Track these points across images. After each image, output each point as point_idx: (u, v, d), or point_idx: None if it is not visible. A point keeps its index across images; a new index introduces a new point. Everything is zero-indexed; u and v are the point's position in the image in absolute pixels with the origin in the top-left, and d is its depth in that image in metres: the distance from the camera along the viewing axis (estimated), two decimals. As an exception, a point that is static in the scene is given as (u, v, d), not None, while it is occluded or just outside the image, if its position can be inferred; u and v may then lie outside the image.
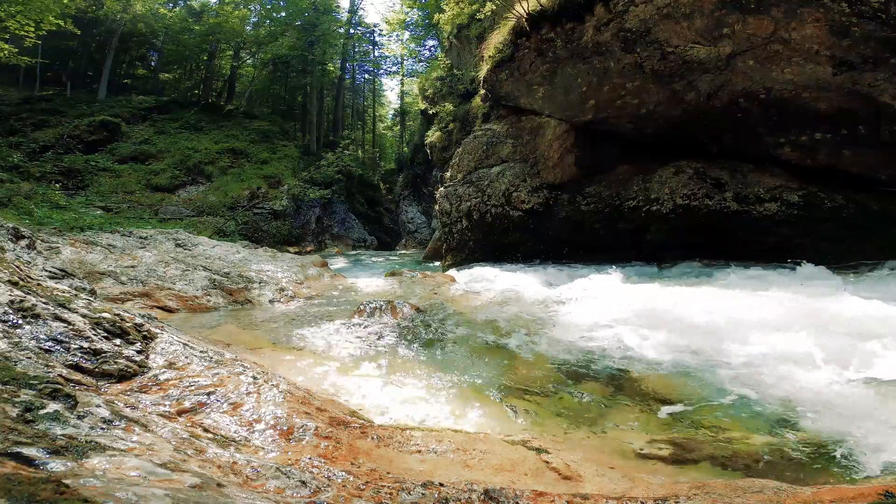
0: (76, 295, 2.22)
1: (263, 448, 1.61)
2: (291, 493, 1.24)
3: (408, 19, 29.79)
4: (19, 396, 1.19)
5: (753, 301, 4.56)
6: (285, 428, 1.76)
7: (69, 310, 1.96)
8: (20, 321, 1.71)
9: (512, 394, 2.97)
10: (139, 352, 1.99)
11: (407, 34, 31.56)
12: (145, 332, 2.16)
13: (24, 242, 4.35)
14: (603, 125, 8.55)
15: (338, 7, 30.10)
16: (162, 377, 1.90)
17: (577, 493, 1.57)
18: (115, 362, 1.82)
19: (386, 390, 2.93)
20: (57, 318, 1.83)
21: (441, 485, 1.44)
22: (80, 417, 1.24)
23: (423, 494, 1.37)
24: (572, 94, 8.34)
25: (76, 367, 1.67)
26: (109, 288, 4.93)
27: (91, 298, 2.43)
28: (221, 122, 22.95)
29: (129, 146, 18.67)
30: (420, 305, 5.01)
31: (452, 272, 8.86)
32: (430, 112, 17.74)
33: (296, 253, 12.39)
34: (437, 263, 11.90)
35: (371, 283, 7.39)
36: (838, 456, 2.16)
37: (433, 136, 16.54)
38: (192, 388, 1.87)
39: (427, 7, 23.46)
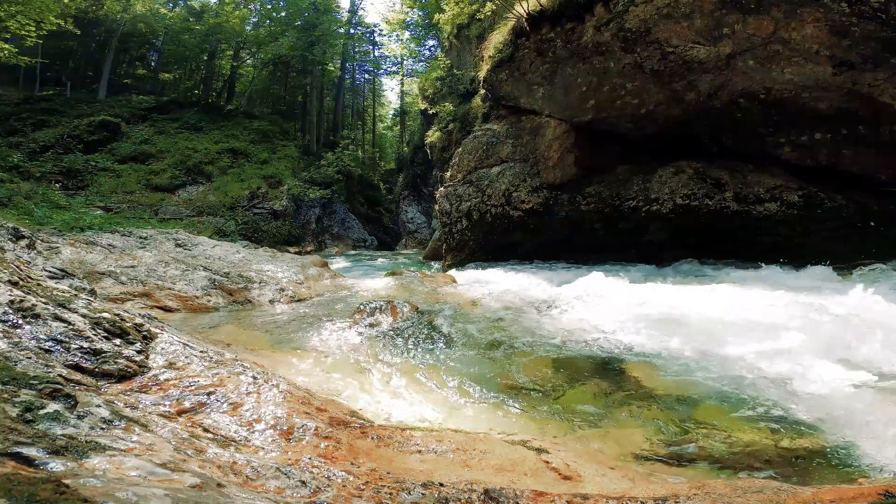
0: (76, 295, 2.22)
1: (263, 448, 1.61)
2: (291, 493, 1.24)
3: (408, 19, 29.77)
4: (19, 396, 1.19)
5: (753, 301, 4.56)
6: (285, 428, 1.76)
7: (69, 310, 1.96)
8: (20, 321, 1.71)
9: (512, 393, 2.97)
10: (139, 352, 2.00)
11: (407, 34, 31.55)
12: (145, 332, 2.16)
13: (24, 242, 4.35)
14: (603, 125, 8.55)
15: (338, 7, 30.10)
16: (162, 377, 1.90)
17: (577, 493, 1.57)
18: (115, 362, 1.82)
19: (386, 390, 2.93)
20: (57, 318, 1.83)
21: (441, 485, 1.44)
22: (80, 417, 1.24)
23: (423, 494, 1.37)
24: (572, 94, 8.34)
25: (76, 367, 1.67)
26: (109, 288, 4.93)
27: (91, 298, 2.43)
28: (221, 122, 22.93)
29: (129, 146, 18.67)
30: (420, 306, 5.01)
31: (452, 272, 8.86)
32: (430, 112, 17.73)
33: (296, 253, 12.38)
34: (437, 263, 11.90)
35: (371, 283, 7.39)
36: (838, 456, 2.16)
37: (433, 136, 16.54)
38: (192, 388, 1.87)
39: (427, 7, 23.43)
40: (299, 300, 5.93)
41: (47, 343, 1.68)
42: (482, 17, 12.39)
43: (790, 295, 4.64)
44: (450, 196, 10.33)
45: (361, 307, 4.70)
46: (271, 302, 5.73)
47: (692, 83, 7.13)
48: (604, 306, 4.89)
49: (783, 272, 6.06)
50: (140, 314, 2.49)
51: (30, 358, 1.50)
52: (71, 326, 1.84)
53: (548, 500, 1.45)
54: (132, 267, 5.66)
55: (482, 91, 11.74)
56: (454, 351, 3.79)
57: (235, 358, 2.38)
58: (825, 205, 6.92)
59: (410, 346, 3.84)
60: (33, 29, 14.74)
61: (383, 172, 32.48)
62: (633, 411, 2.73)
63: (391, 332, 4.11)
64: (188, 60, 28.66)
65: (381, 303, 4.75)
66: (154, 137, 19.87)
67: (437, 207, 11.46)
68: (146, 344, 2.10)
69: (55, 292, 2.17)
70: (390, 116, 40.29)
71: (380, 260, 15.55)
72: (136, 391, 1.73)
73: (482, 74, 10.28)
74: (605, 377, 3.24)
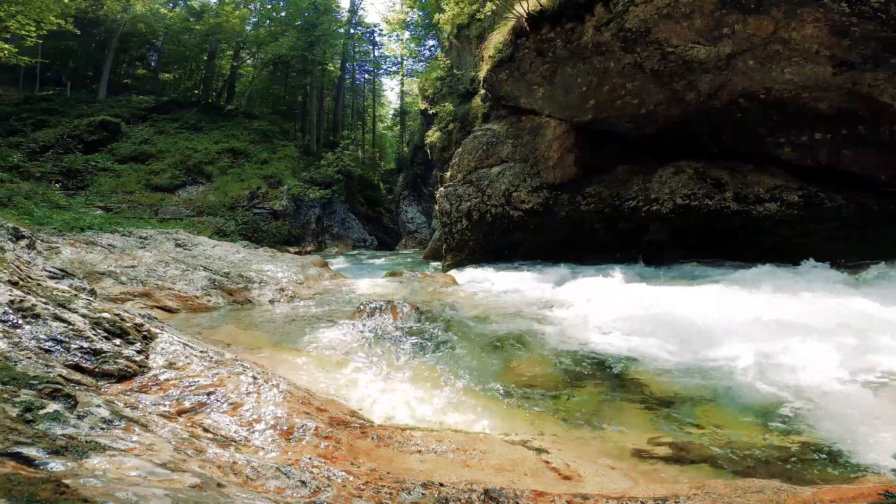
0: (76, 295, 2.22)
1: (263, 448, 1.61)
2: (291, 493, 1.24)
3: (408, 19, 29.75)
4: (19, 396, 1.19)
5: (753, 301, 4.56)
6: (285, 428, 1.76)
7: (69, 310, 1.96)
8: (20, 321, 1.71)
9: (512, 394, 2.97)
10: (139, 352, 1.99)
11: (407, 34, 31.52)
12: (145, 332, 2.16)
13: (24, 242, 4.35)
14: (603, 125, 8.55)
15: (338, 7, 30.10)
16: (162, 377, 1.90)
17: (577, 493, 1.57)
18: (115, 362, 1.82)
19: (386, 390, 2.93)
20: (57, 318, 1.83)
21: (441, 485, 1.44)
22: (80, 417, 1.24)
23: (423, 494, 1.37)
24: (572, 94, 8.34)
25: (76, 367, 1.67)
26: (109, 288, 4.93)
27: (91, 298, 2.43)
28: (221, 122, 22.92)
29: (129, 146, 18.66)
30: (420, 306, 5.01)
31: (452, 272, 8.86)
32: (430, 112, 17.72)
33: (296, 253, 12.39)
34: (437, 263, 11.90)
35: (371, 283, 7.39)
36: (839, 456, 2.16)
37: (433, 136, 16.53)
38: (192, 388, 1.87)
39: (427, 7, 23.41)
40: (299, 300, 5.93)
41: (47, 343, 1.68)
42: (482, 17, 12.39)
43: (790, 295, 4.64)
44: (450, 196, 10.33)
45: (361, 307, 4.69)
46: (271, 302, 5.74)
47: (692, 83, 7.13)
48: (603, 306, 4.89)
49: (783, 272, 6.06)
50: (140, 314, 2.49)
51: (30, 358, 1.50)
52: (71, 326, 1.84)
53: (548, 500, 1.45)
54: (132, 267, 5.66)
55: (482, 91, 11.74)
56: (454, 351, 3.79)
57: (235, 358, 2.38)
58: (825, 205, 6.91)
59: (410, 346, 3.84)
60: (33, 29, 14.74)
61: (383, 172, 32.47)
62: (632, 411, 2.73)
63: (391, 332, 4.11)
64: (188, 60, 28.65)
65: (381, 302, 4.75)
66: (154, 137, 19.86)
67: (437, 207, 11.46)
68: (146, 344, 2.10)
69: (55, 292, 2.17)
70: (390, 116, 40.27)
71: (380, 260, 15.56)
72: (136, 391, 1.73)
73: (482, 74, 10.28)
74: (604, 377, 3.24)
